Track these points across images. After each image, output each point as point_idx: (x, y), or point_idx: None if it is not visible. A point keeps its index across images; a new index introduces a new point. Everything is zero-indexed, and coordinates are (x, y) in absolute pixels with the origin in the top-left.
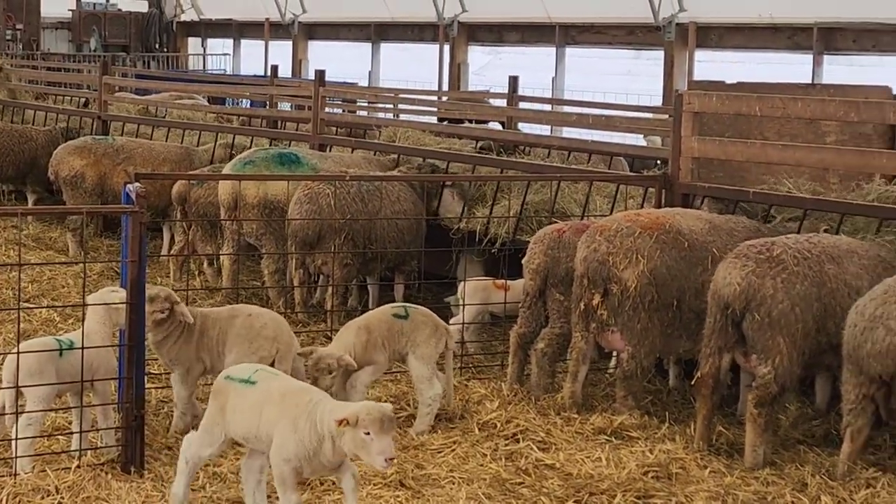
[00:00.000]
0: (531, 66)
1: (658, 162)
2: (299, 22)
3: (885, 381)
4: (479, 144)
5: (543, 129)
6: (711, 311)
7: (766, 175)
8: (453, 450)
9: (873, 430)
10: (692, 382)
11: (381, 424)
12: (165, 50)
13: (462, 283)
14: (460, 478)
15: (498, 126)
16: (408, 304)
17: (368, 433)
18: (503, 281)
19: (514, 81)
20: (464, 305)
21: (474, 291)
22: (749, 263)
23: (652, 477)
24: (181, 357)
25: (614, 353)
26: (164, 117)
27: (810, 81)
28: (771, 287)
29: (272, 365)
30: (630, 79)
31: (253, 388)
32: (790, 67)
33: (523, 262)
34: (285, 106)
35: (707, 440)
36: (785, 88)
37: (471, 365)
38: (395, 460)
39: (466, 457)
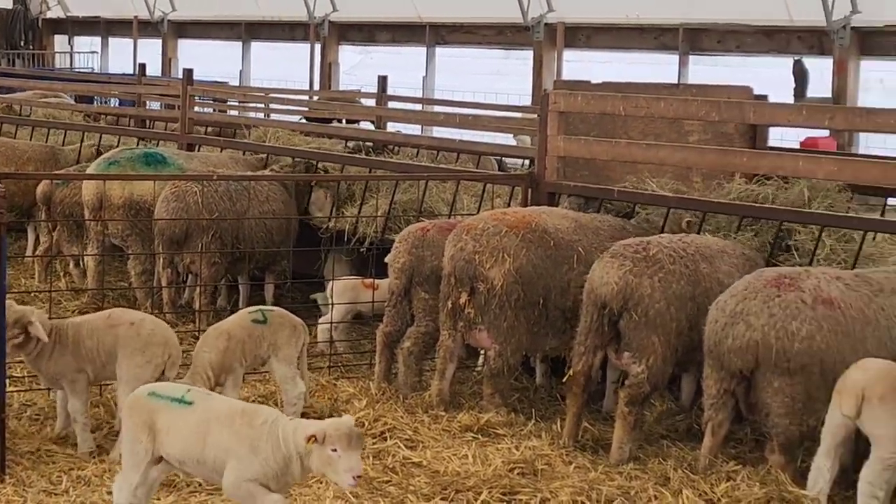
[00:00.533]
0: (402, 66)
1: (524, 161)
2: (168, 20)
3: (745, 376)
4: (350, 144)
5: (416, 129)
6: (588, 310)
7: (631, 174)
8: None
9: (734, 425)
10: (563, 379)
11: (349, 441)
12: (31, 48)
13: (330, 282)
14: None
15: (370, 126)
16: (264, 308)
17: (335, 450)
18: (371, 280)
19: (383, 81)
20: (332, 305)
21: (343, 291)
22: (626, 263)
23: (518, 473)
24: (61, 371)
25: (482, 351)
26: (28, 116)
27: (676, 81)
28: (648, 286)
29: (163, 371)
30: (500, 78)
31: (191, 410)
32: (657, 67)
33: (388, 260)
34: (155, 105)
35: (575, 437)
36: (649, 88)
37: (339, 364)
38: (363, 478)
39: None
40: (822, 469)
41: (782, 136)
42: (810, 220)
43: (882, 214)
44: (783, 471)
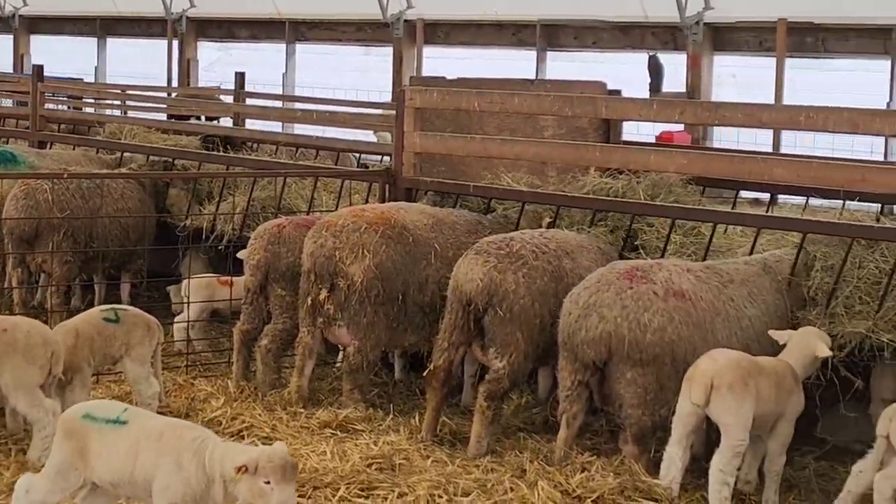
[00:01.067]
0: (262, 63)
1: (382, 157)
2: (20, 15)
3: (598, 368)
4: (198, 139)
5: (277, 126)
6: (452, 306)
7: (487, 169)
8: None
9: (589, 416)
10: (424, 374)
11: (283, 473)
12: None
13: (186, 280)
14: None
15: (229, 123)
16: (117, 307)
17: (269, 482)
18: (227, 277)
19: (240, 78)
20: (188, 303)
21: (198, 288)
22: (490, 259)
23: (376, 469)
24: None
25: (342, 348)
26: None
27: (534, 78)
28: (513, 282)
29: (49, 370)
30: (361, 75)
31: (125, 429)
32: (515, 64)
33: (244, 257)
34: (7, 102)
35: (434, 431)
36: (505, 84)
37: (197, 363)
38: None
39: None
40: (674, 457)
41: (638, 130)
42: (661, 213)
43: (733, 207)
44: (636, 461)
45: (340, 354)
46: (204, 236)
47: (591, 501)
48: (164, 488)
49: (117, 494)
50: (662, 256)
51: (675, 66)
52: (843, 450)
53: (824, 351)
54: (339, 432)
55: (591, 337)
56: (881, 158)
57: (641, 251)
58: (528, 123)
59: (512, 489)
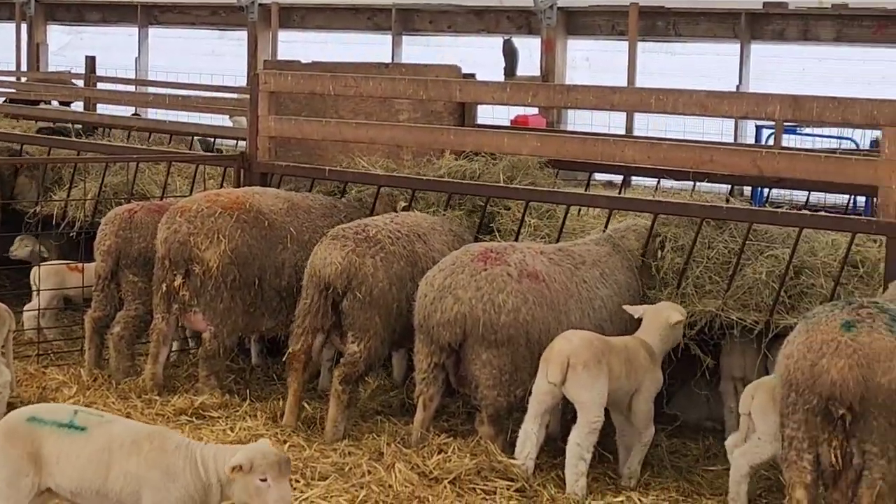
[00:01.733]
0: (114, 47)
1: (238, 142)
2: None
3: (454, 350)
4: (41, 125)
5: (130, 111)
6: (308, 291)
7: (343, 153)
8: None
9: (446, 398)
10: (283, 359)
11: (279, 469)
12: None
13: (36, 267)
14: None
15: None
16: None
17: (265, 479)
18: (77, 264)
19: (91, 62)
20: (39, 291)
21: (47, 276)
22: (348, 243)
23: None
24: None
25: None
26: None
27: (389, 61)
28: (371, 266)
29: None
30: (216, 59)
31: (85, 436)
32: (371, 48)
33: (95, 244)
34: None
35: (296, 416)
36: (360, 68)
37: (49, 352)
38: None
39: None
40: (530, 434)
41: (493, 115)
42: (515, 196)
43: (586, 189)
44: (492, 441)
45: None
46: (54, 223)
47: (448, 482)
48: (158, 501)
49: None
50: (517, 239)
51: (529, 50)
52: (695, 427)
53: (676, 316)
54: (194, 419)
55: (446, 319)
56: (731, 140)
57: (496, 234)
58: (384, 107)
59: (369, 472)
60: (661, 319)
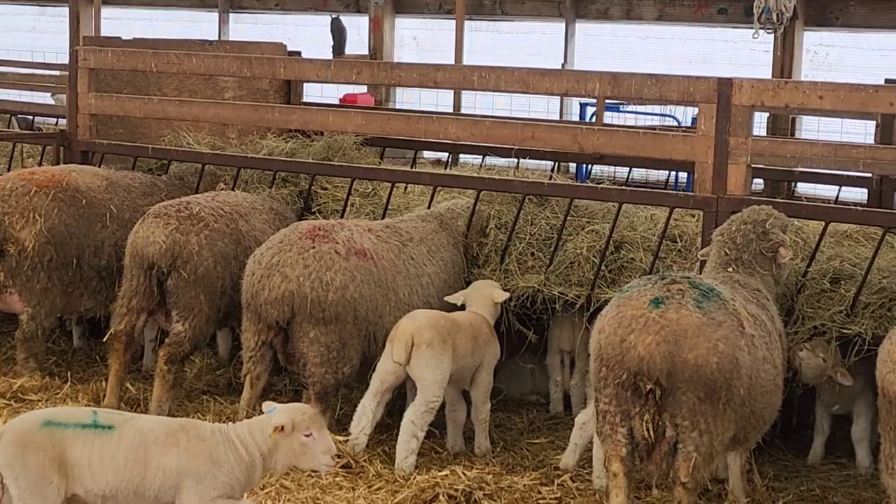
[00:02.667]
0: None
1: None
2: None
3: (281, 328)
4: None
5: None
6: (132, 271)
7: (168, 131)
8: None
9: (273, 376)
10: (104, 339)
11: (319, 421)
12: None
13: None
14: None
15: None
16: None
17: (309, 433)
18: None
19: None
20: None
21: None
22: (172, 221)
23: None
24: None
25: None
26: None
27: (216, 39)
28: (196, 244)
29: None
30: (37, 36)
31: (115, 434)
32: (198, 26)
33: None
34: None
35: (117, 397)
36: (183, 45)
37: None
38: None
39: None
40: (367, 410)
41: (322, 93)
42: (339, 173)
43: (412, 167)
44: None
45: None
46: None
47: None
48: (204, 487)
49: None
50: (342, 217)
51: (357, 29)
52: (520, 401)
53: (502, 295)
54: (13, 403)
55: (274, 297)
56: (556, 118)
57: (319, 213)
58: (209, 85)
59: None
60: (486, 296)
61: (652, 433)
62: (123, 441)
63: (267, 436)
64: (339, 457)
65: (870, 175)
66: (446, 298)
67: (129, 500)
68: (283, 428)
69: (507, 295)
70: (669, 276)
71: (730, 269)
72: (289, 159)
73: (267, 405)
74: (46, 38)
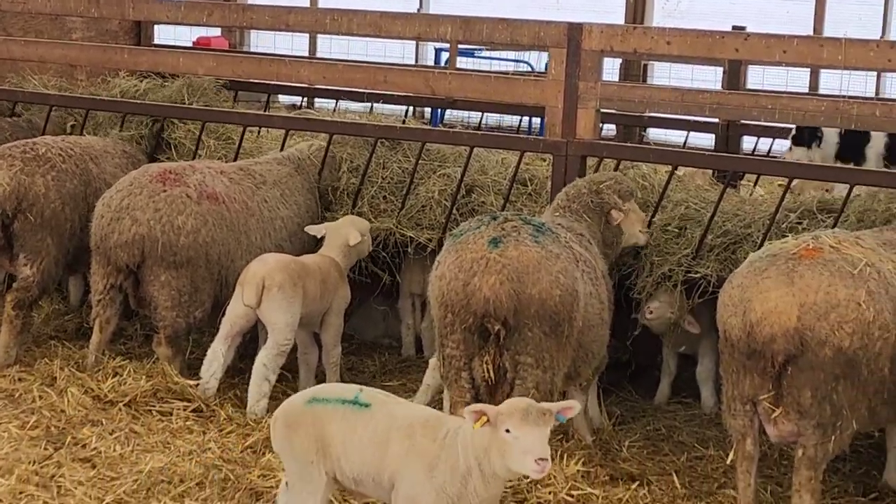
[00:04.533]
0: None
1: None
2: None
3: (132, 271)
4: None
5: None
6: None
7: (13, 72)
8: None
9: (123, 321)
10: None
11: (524, 416)
12: None
13: None
14: None
15: None
16: None
17: (508, 430)
18: None
19: None
20: None
21: None
22: (16, 163)
23: None
24: None
25: None
26: None
27: None
28: (42, 186)
29: None
30: None
31: (370, 413)
32: None
33: None
34: None
35: None
36: None
37: None
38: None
39: None
40: (218, 354)
41: (176, 36)
42: (191, 116)
43: (266, 110)
44: (170, 363)
45: None
46: None
47: (124, 405)
48: (410, 497)
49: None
50: (195, 155)
51: None
52: (373, 344)
53: (355, 237)
54: None
55: (124, 240)
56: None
57: (174, 154)
58: (56, 25)
59: (41, 397)
60: (341, 238)
61: (493, 374)
62: (373, 422)
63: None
64: (188, 401)
65: (717, 121)
66: (307, 229)
67: (370, 488)
68: (485, 416)
69: (360, 237)
70: (500, 215)
71: (556, 215)
72: (139, 101)
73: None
74: None
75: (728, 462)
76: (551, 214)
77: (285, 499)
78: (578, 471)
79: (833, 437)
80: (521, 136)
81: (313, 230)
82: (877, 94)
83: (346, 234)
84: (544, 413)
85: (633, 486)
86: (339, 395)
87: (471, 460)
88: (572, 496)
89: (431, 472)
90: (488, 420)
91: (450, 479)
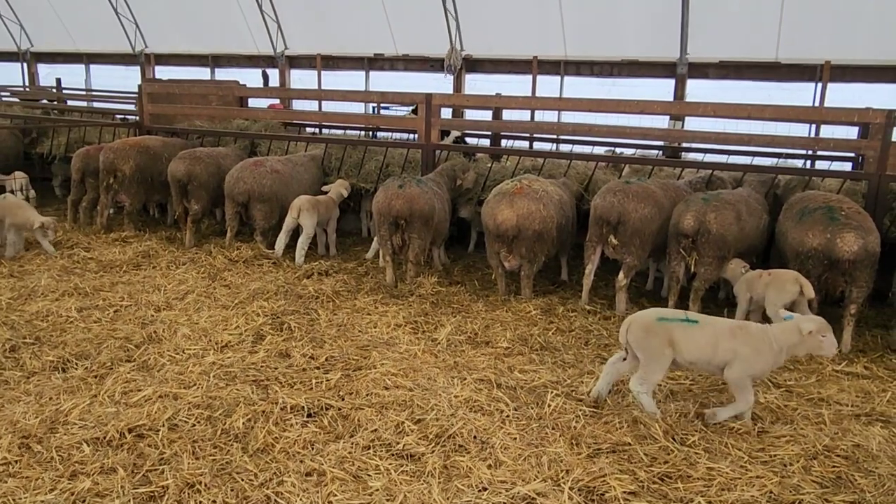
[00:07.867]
0: None
1: None
2: None
3: (243, 204)
4: None
5: None
6: None
7: (181, 122)
8: None
9: (241, 225)
10: None
11: (828, 328)
12: None
13: None
14: None
15: None
16: None
17: (825, 336)
18: None
19: None
20: None
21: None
22: (186, 157)
23: None
24: None
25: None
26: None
27: None
28: (201, 169)
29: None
30: None
31: (699, 327)
32: None
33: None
34: None
35: None
36: None
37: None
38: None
39: None
40: (281, 240)
41: (258, 103)
42: (268, 139)
43: (299, 133)
44: (261, 243)
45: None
46: None
47: (242, 262)
48: (745, 367)
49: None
50: (266, 156)
51: None
52: (349, 231)
53: (346, 189)
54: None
55: (239, 190)
56: None
57: (258, 154)
58: (202, 99)
59: (204, 258)
60: (336, 190)
61: (400, 243)
62: (704, 331)
63: (794, 334)
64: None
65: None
66: (323, 188)
67: (704, 366)
68: (813, 332)
69: (347, 189)
70: (404, 176)
71: (430, 177)
72: (244, 132)
73: (783, 313)
74: None
75: (493, 278)
76: (431, 177)
77: (625, 367)
78: None
79: (535, 265)
80: (408, 141)
81: (325, 188)
82: None
83: (339, 187)
84: (827, 327)
85: None
86: (677, 317)
87: (784, 346)
88: None
89: (758, 353)
90: (812, 332)
91: (771, 357)
